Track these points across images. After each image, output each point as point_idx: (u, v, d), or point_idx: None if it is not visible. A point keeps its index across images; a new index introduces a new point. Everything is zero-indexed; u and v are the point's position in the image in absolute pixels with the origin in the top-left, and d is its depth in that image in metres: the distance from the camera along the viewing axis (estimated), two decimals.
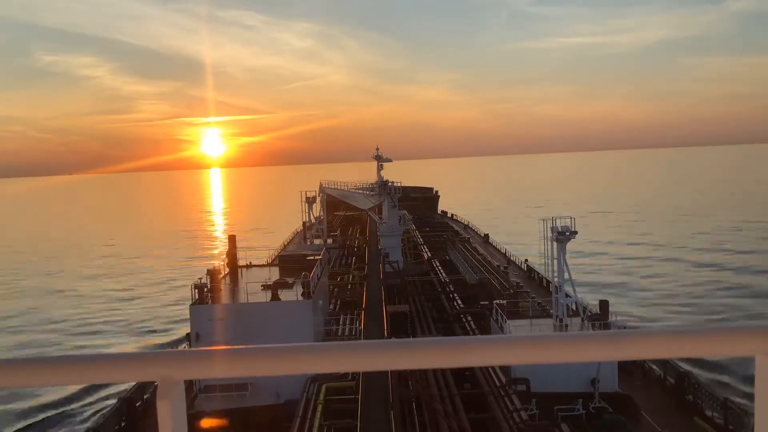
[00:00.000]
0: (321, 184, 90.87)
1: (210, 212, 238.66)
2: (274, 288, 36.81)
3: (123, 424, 33.43)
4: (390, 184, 69.59)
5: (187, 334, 42.03)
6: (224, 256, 46.31)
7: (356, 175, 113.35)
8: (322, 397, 30.62)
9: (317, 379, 31.93)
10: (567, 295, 36.14)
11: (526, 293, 49.64)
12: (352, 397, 31.25)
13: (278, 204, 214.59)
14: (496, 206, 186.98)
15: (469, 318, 45.52)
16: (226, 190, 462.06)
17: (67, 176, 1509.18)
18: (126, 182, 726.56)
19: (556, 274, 36.01)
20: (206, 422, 30.82)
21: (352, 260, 70.59)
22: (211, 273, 38.29)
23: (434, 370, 33.23)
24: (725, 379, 41.31)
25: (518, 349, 2.01)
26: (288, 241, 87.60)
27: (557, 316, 36.14)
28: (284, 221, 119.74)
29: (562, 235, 35.57)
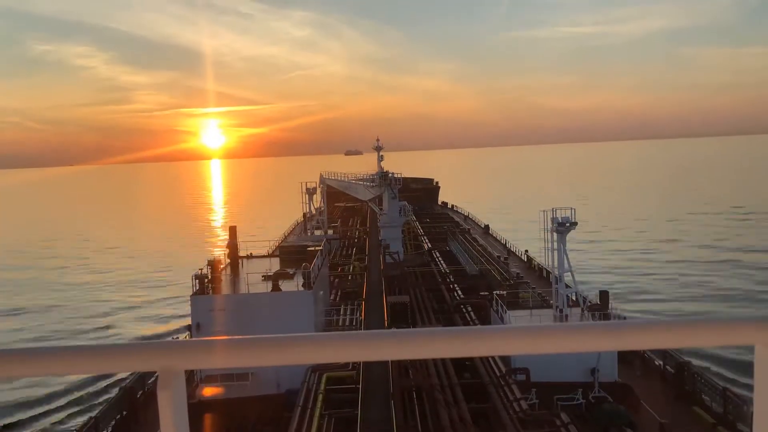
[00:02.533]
0: (321, 175, 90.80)
1: (211, 203, 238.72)
2: (274, 279, 36.87)
3: (124, 414, 33.58)
4: (390, 175, 69.53)
5: (188, 325, 42.16)
6: (225, 246, 46.38)
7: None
8: (322, 386, 30.73)
9: (318, 369, 32.04)
10: (567, 286, 36.21)
11: (526, 284, 49.69)
12: (353, 386, 31.37)
13: (279, 195, 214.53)
14: (496, 197, 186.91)
15: (470, 308, 45.60)
16: (226, 181, 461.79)
17: (68, 167, 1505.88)
18: (127, 174, 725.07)
19: (556, 265, 36.05)
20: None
21: (352, 251, 70.64)
22: (212, 263, 38.33)
23: (434, 360, 33.34)
24: (725, 369, 41.45)
25: (518, 339, 2.01)
26: (289, 232, 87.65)
27: (557, 307, 36.22)
28: (285, 212, 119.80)
29: (562, 226, 35.57)
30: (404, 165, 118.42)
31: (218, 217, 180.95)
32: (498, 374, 32.36)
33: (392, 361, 30.61)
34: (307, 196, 73.85)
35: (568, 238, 36.18)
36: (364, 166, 73.23)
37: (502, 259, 62.92)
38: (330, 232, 74.94)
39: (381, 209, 70.03)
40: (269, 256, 50.97)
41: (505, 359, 33.22)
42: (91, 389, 43.72)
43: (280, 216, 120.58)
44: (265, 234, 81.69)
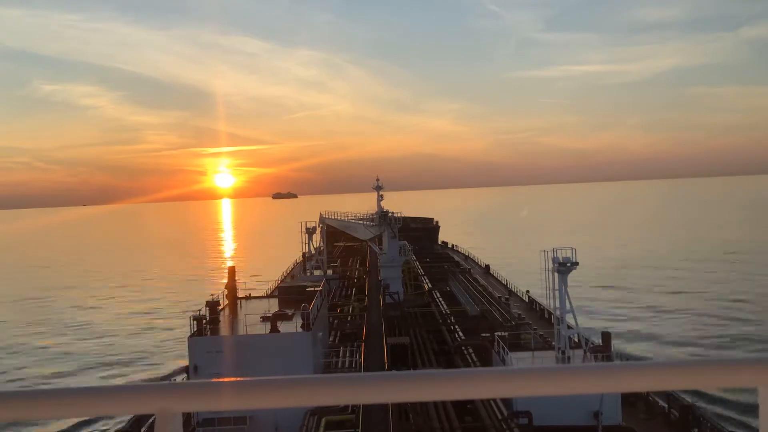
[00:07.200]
0: (321, 215, 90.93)
1: (215, 243, 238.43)
2: (273, 320, 36.62)
3: None
4: (390, 214, 69.71)
5: (185, 367, 41.65)
6: (224, 287, 46.17)
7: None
8: (321, 430, 30.23)
9: (316, 412, 31.56)
10: (569, 327, 35.91)
11: (527, 325, 49.34)
12: (352, 430, 30.85)
13: (282, 234, 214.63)
14: (498, 237, 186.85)
15: (471, 350, 45.16)
16: (234, 220, 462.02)
17: (79, 207, 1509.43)
18: (136, 213, 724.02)
19: (557, 306, 35.83)
20: None
21: (352, 291, 70.31)
22: (210, 305, 38.14)
23: (435, 403, 32.84)
24: (730, 411, 40.81)
25: (520, 381, 1.99)
26: (288, 272, 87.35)
27: (559, 348, 35.87)
28: (286, 252, 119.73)
29: (563, 266, 35.46)
30: (405, 205, 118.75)
31: (219, 257, 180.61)
32: (500, 417, 31.84)
33: (392, 404, 30.15)
34: (306, 235, 73.83)
35: (570, 278, 36.04)
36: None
37: (503, 299, 62.58)
38: (329, 272, 74.70)
39: (381, 249, 69.97)
40: (268, 296, 50.73)
41: (507, 402, 32.74)
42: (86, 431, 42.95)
43: (281, 255, 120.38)
44: (265, 274, 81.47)
